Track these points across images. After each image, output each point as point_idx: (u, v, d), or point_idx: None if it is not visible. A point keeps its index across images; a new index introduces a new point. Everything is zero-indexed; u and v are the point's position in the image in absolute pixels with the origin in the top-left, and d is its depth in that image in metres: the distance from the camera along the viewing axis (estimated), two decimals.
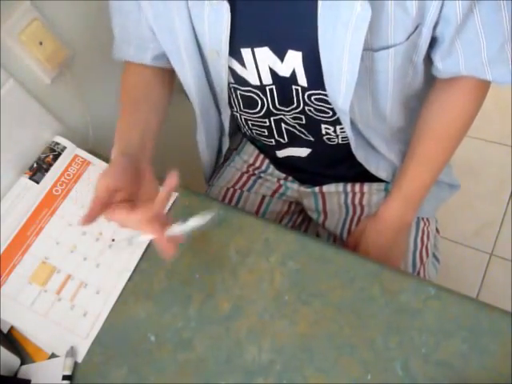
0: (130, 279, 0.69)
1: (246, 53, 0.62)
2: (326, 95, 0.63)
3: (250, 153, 0.91)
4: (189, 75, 0.69)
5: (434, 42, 0.60)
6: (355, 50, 0.54)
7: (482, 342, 0.55)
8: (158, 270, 0.69)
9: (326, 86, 0.61)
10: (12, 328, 0.67)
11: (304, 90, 0.64)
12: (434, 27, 0.56)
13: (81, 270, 0.70)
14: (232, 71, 0.66)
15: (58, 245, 0.72)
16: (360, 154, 0.73)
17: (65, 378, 0.62)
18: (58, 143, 0.79)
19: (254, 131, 0.79)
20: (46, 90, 0.78)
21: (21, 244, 0.71)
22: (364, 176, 0.79)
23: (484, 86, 0.65)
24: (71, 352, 0.63)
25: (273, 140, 0.79)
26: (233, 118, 0.79)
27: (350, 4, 0.50)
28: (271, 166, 0.90)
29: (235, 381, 0.59)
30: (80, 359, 0.64)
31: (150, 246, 0.71)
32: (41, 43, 0.73)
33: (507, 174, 1.53)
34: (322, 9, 0.53)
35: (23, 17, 0.70)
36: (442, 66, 0.62)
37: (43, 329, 0.66)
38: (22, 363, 0.65)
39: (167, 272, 0.68)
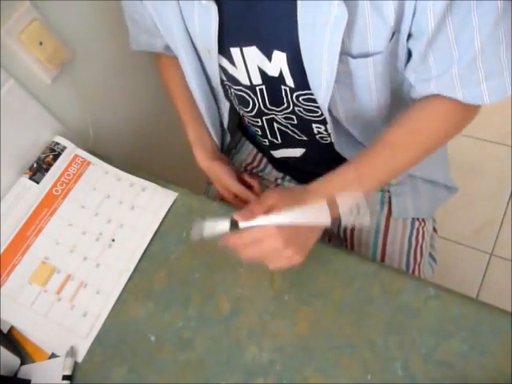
0: (129, 279, 0.69)
1: (235, 52, 0.62)
2: (312, 94, 0.63)
3: (248, 152, 0.92)
4: (188, 71, 0.70)
5: (407, 55, 0.58)
6: (333, 51, 0.54)
7: (482, 342, 0.55)
8: (158, 270, 0.69)
9: (310, 85, 0.61)
10: (12, 328, 0.67)
11: (292, 90, 0.65)
12: (408, 39, 0.55)
13: (81, 270, 0.70)
14: (224, 70, 0.67)
15: (57, 245, 0.72)
16: (349, 154, 0.73)
17: (65, 377, 0.62)
18: (57, 143, 0.79)
19: (251, 128, 0.80)
20: (46, 90, 0.78)
21: (21, 244, 0.71)
22: None
23: (460, 108, 0.60)
24: (71, 352, 0.63)
25: (266, 140, 0.80)
26: (233, 113, 0.80)
27: (328, 4, 0.50)
28: (269, 166, 0.91)
29: (235, 381, 0.59)
30: (80, 359, 0.64)
31: (150, 246, 0.71)
32: (41, 43, 0.73)
33: (507, 174, 1.53)
34: (300, 9, 0.53)
35: (23, 17, 0.70)
36: (414, 82, 0.60)
37: (43, 329, 0.66)
38: (22, 363, 0.65)
39: (167, 272, 0.68)
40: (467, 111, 0.62)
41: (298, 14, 0.54)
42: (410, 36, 0.55)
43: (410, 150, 0.62)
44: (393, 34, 0.54)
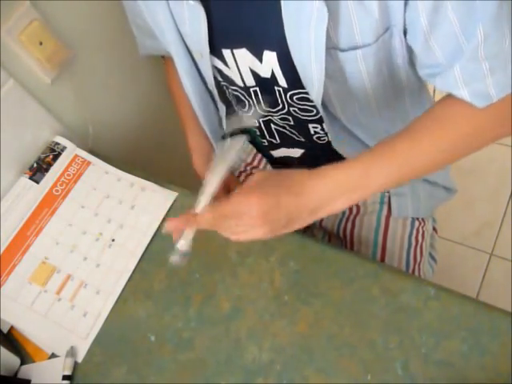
0: (129, 279, 0.69)
1: (226, 54, 0.62)
2: (306, 93, 0.63)
3: (248, 152, 0.92)
4: (183, 73, 0.70)
5: (409, 51, 0.57)
6: (319, 48, 0.54)
7: (482, 342, 0.55)
8: (158, 270, 0.69)
9: (303, 83, 0.61)
10: (12, 328, 0.68)
11: (285, 90, 0.64)
12: (405, 34, 0.54)
13: (81, 270, 0.70)
14: (219, 70, 0.67)
15: (57, 245, 0.72)
16: (347, 152, 0.72)
17: (65, 377, 0.62)
18: (57, 143, 0.79)
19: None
20: (46, 90, 0.78)
21: (21, 244, 0.71)
22: None
23: (476, 112, 0.54)
24: (71, 352, 0.63)
25: (265, 140, 0.80)
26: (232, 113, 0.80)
27: (310, 4, 0.50)
28: (269, 166, 0.91)
29: (235, 381, 0.59)
30: (80, 359, 0.64)
31: (150, 246, 0.71)
32: (41, 43, 0.73)
33: (507, 174, 1.53)
34: (284, 9, 0.53)
35: (23, 17, 0.70)
36: (428, 78, 0.58)
37: (43, 329, 0.66)
38: (22, 363, 0.65)
39: (167, 272, 0.68)
40: (488, 117, 0.54)
41: (283, 13, 0.54)
42: (406, 31, 0.54)
43: (422, 150, 0.55)
44: (387, 29, 0.54)
